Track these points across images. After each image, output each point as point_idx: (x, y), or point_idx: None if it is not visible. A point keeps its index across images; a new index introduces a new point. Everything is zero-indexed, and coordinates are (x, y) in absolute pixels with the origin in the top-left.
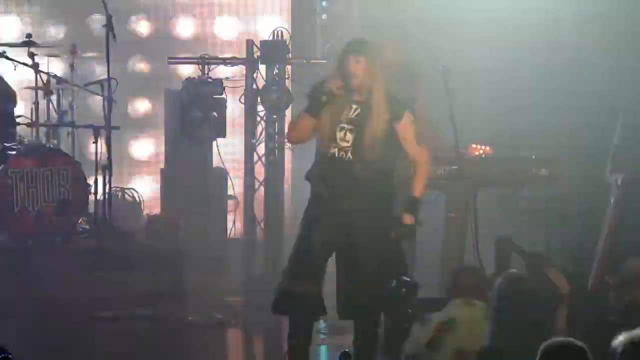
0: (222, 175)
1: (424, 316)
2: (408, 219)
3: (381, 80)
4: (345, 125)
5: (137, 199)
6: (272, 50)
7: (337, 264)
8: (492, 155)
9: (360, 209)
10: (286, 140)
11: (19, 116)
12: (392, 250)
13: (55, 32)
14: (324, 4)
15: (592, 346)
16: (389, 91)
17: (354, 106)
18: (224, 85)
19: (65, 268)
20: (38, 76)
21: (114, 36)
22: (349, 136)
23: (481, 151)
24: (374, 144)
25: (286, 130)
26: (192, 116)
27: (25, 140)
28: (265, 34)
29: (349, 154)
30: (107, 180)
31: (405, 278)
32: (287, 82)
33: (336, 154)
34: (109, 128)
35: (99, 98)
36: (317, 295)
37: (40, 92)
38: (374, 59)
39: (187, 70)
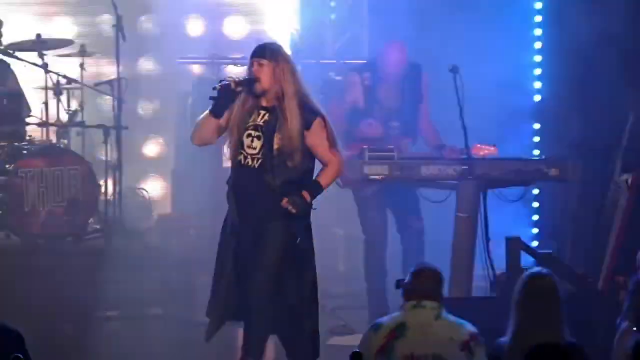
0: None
1: (375, 322)
2: (306, 194)
3: (291, 86)
4: (252, 132)
5: (147, 198)
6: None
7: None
8: (502, 155)
9: (269, 221)
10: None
11: (29, 116)
12: (304, 261)
13: (65, 32)
14: (332, 3)
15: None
16: (303, 97)
17: (262, 112)
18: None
19: (76, 268)
20: (48, 76)
21: (124, 36)
22: (257, 143)
23: (486, 151)
24: (283, 151)
25: None
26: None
27: (36, 140)
28: (274, 34)
29: (255, 162)
30: (117, 180)
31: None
32: None
33: (242, 161)
34: (119, 128)
35: (108, 98)
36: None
37: (50, 92)
38: (278, 64)
39: (197, 70)
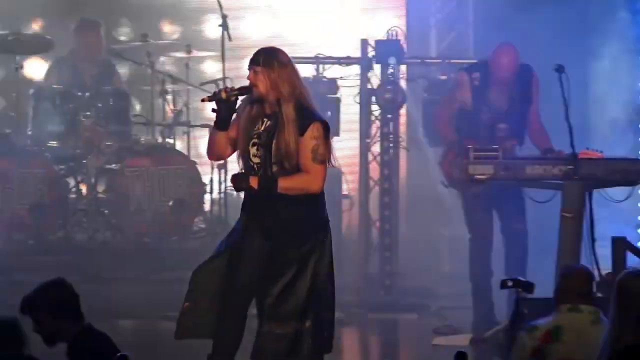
0: (336, 174)
1: (528, 323)
2: (254, 180)
3: (286, 89)
4: (256, 140)
5: None
6: (386, 50)
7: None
8: (607, 155)
9: (277, 230)
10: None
11: (135, 115)
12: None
13: (170, 32)
14: (438, 3)
15: None
16: (301, 100)
17: (265, 119)
18: (338, 84)
19: (182, 266)
20: (153, 76)
21: (229, 36)
22: (260, 151)
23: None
24: (283, 158)
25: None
26: None
27: (141, 139)
28: (380, 34)
29: (261, 170)
30: (222, 179)
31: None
32: (402, 82)
33: (251, 171)
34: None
35: None
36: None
37: (155, 92)
38: (273, 69)
39: (302, 70)
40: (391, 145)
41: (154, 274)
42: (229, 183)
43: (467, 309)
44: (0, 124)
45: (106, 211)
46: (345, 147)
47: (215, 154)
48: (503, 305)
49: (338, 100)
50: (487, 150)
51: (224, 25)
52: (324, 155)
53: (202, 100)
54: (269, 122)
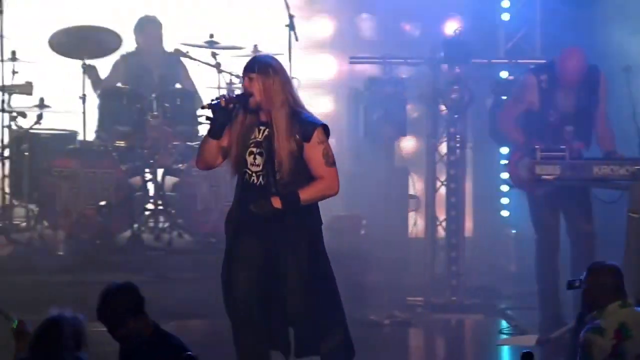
0: (403, 174)
1: (590, 323)
2: (275, 200)
3: (279, 97)
4: (254, 149)
5: None
6: (454, 50)
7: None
8: None
9: (280, 236)
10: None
11: (200, 115)
12: (318, 277)
13: (239, 32)
14: (505, 3)
15: None
16: (295, 107)
17: (262, 127)
18: (406, 84)
19: None
20: (220, 76)
21: (296, 36)
22: (259, 160)
23: None
24: (285, 166)
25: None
26: (374, 116)
27: None
28: (447, 34)
29: (261, 178)
30: None
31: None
32: (469, 82)
33: (248, 179)
34: None
35: None
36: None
37: (221, 92)
38: (268, 77)
39: (370, 70)
40: (458, 145)
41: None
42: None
43: (533, 309)
44: (67, 123)
45: (173, 211)
46: (411, 147)
47: (206, 162)
48: (569, 305)
49: (405, 100)
50: (554, 151)
51: (291, 26)
52: (333, 157)
53: (202, 108)
54: (267, 130)
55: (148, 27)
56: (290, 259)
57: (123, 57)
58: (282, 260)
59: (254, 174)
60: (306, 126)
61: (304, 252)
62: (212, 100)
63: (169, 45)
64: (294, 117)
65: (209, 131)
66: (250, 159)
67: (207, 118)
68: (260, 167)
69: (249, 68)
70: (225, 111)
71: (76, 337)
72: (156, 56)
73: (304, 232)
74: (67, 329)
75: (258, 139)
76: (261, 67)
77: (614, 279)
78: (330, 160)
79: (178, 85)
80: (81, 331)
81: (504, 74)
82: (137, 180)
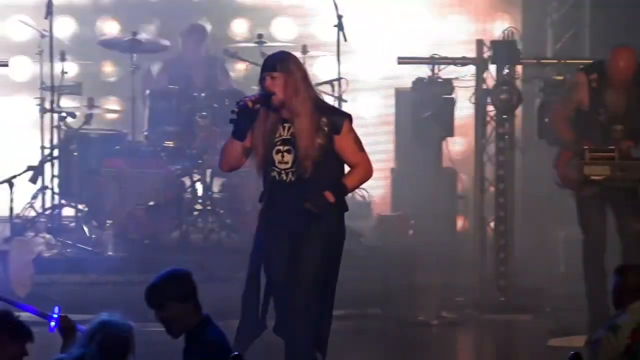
0: (451, 174)
1: (611, 322)
2: (329, 195)
3: (306, 94)
4: (281, 147)
5: (366, 198)
6: (502, 50)
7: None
8: None
9: (311, 231)
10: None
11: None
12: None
13: (287, 32)
14: (554, 3)
15: None
16: (319, 102)
17: (287, 125)
18: (454, 85)
19: None
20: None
21: (345, 36)
22: (287, 157)
23: None
24: (315, 161)
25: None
26: (422, 116)
27: None
28: (495, 34)
29: (291, 175)
30: None
31: None
32: (518, 82)
33: (277, 177)
34: None
35: (329, 98)
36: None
37: None
38: (292, 73)
39: (418, 71)
40: (506, 145)
41: None
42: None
43: (582, 310)
44: (117, 124)
45: (221, 211)
46: (459, 147)
47: (230, 164)
48: None
49: (453, 100)
50: (603, 151)
51: (340, 26)
52: (362, 144)
53: (232, 112)
54: (291, 127)
55: (194, 33)
56: (305, 251)
57: (169, 59)
58: (300, 254)
59: (282, 172)
60: (334, 118)
61: (318, 251)
62: (238, 102)
63: (217, 46)
64: (318, 111)
65: (234, 133)
66: (277, 157)
67: (232, 120)
68: (289, 165)
69: (270, 67)
70: (251, 112)
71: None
72: (199, 60)
73: (325, 234)
74: (133, 343)
75: (284, 137)
76: (283, 65)
77: (637, 279)
78: (361, 147)
79: (221, 88)
80: (131, 339)
81: (552, 74)
82: (185, 180)
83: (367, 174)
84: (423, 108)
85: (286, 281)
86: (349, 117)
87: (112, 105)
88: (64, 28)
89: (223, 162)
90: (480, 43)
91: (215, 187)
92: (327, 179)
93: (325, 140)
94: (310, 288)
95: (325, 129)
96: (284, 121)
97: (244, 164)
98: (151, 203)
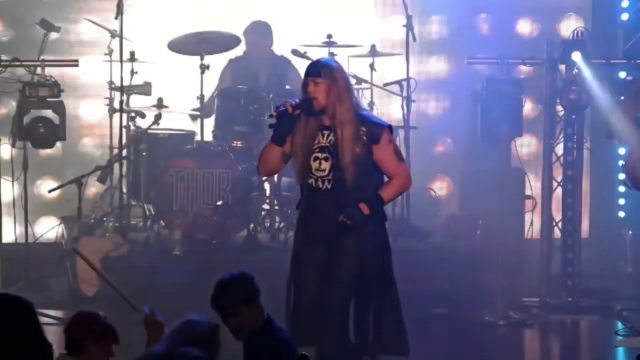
0: (520, 175)
1: None
2: (364, 207)
3: (348, 103)
4: (319, 154)
5: (434, 198)
6: (572, 50)
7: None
8: None
9: (348, 240)
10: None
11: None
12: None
13: (356, 32)
14: (624, 3)
15: None
16: (360, 110)
17: (326, 132)
18: (522, 85)
19: None
20: None
21: (414, 36)
22: (325, 165)
23: None
24: (353, 170)
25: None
26: (491, 116)
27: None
28: (565, 34)
29: (327, 183)
30: None
31: None
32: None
33: (313, 184)
34: (407, 127)
35: (397, 98)
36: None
37: None
38: (335, 80)
39: (487, 70)
40: (575, 146)
41: None
42: (412, 183)
43: None
44: (185, 123)
45: (289, 211)
46: (528, 147)
47: (268, 169)
48: None
49: (521, 100)
50: None
51: (409, 26)
52: (401, 154)
53: (270, 116)
54: (331, 135)
55: (257, 31)
56: (344, 260)
57: (233, 59)
58: (336, 264)
59: (319, 179)
60: (373, 128)
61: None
62: (278, 107)
63: (286, 47)
64: (359, 120)
65: (273, 137)
66: (315, 165)
67: (271, 125)
68: (327, 172)
69: (315, 73)
70: (290, 117)
71: None
72: (264, 59)
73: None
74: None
75: (322, 144)
76: (327, 71)
77: None
78: (401, 157)
79: (287, 87)
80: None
81: (622, 75)
82: (253, 180)
83: (405, 185)
84: (492, 108)
85: (317, 289)
86: (389, 127)
87: (181, 104)
88: (135, 27)
89: (262, 166)
90: (550, 43)
91: (283, 187)
92: (364, 189)
93: (364, 149)
94: (343, 295)
95: (365, 138)
96: (324, 128)
97: (281, 169)
98: (219, 203)
